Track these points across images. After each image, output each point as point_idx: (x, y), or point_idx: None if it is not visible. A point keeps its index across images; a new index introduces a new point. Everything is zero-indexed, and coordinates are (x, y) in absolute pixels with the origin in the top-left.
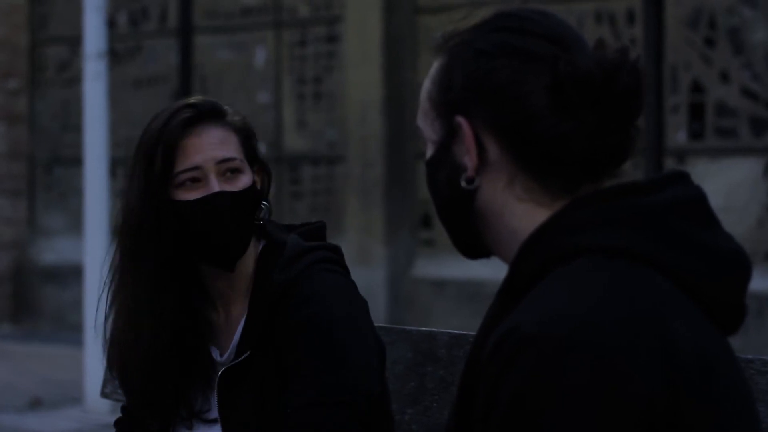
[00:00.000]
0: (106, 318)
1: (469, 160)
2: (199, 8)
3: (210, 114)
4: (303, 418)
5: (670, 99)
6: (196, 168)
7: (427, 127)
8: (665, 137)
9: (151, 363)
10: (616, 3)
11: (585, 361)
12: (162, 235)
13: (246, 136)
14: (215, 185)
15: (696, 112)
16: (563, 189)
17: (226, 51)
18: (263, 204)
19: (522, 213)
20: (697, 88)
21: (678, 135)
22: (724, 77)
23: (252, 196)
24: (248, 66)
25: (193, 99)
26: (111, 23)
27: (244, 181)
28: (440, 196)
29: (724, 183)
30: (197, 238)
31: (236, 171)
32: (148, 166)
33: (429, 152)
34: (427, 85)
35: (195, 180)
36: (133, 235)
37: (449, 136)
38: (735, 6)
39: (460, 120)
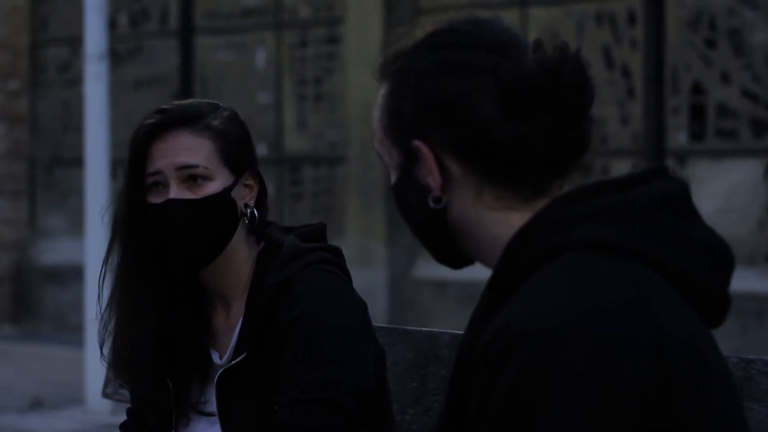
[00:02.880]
0: (102, 318)
1: (433, 181)
2: (200, 9)
3: (179, 119)
4: (286, 414)
5: (670, 100)
6: (158, 173)
7: (385, 154)
8: (666, 138)
9: (146, 362)
10: (616, 4)
11: (577, 355)
12: (140, 236)
13: (228, 142)
14: (173, 192)
15: (696, 113)
16: (533, 191)
17: (227, 52)
18: (249, 210)
19: (496, 219)
20: (697, 89)
21: (678, 136)
22: (725, 78)
23: (220, 203)
24: (249, 67)
25: (169, 104)
26: (111, 24)
27: (211, 188)
28: (412, 218)
29: (725, 184)
30: (160, 242)
31: (202, 178)
32: (125, 169)
33: (393, 178)
34: (376, 113)
35: (160, 184)
36: (119, 235)
37: (409, 161)
38: (735, 7)
39: (418, 144)
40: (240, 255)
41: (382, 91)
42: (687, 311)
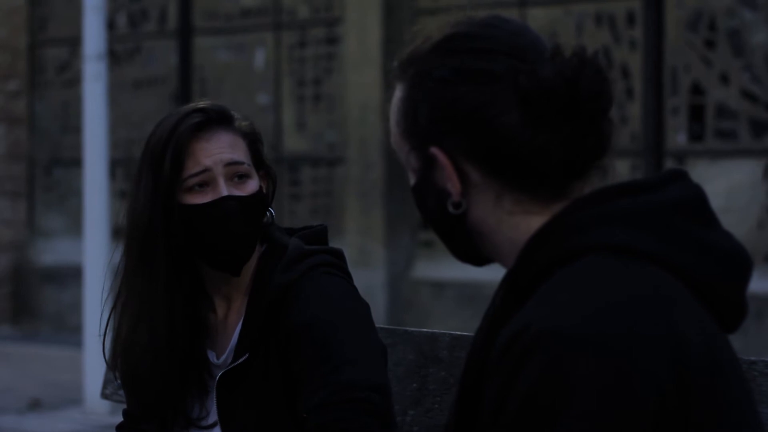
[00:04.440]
0: (108, 322)
1: (452, 187)
2: (199, 9)
3: (219, 118)
4: (317, 419)
5: (670, 101)
6: (205, 171)
7: (403, 156)
8: (665, 139)
9: (156, 367)
10: (616, 5)
11: (597, 359)
12: (171, 240)
13: (253, 141)
14: (224, 189)
15: (696, 113)
16: (553, 194)
17: (226, 52)
18: (269, 210)
19: (516, 224)
20: (697, 90)
21: (678, 137)
22: (724, 79)
23: (259, 201)
24: (248, 67)
25: (201, 103)
26: (110, 24)
27: (252, 186)
28: (432, 221)
29: (724, 185)
30: (205, 242)
31: (244, 176)
32: (157, 171)
33: (411, 180)
34: (393, 115)
35: (204, 184)
36: (142, 239)
37: (427, 166)
38: (735, 8)
39: (435, 151)
40: (253, 255)
41: (398, 94)
42: (704, 317)
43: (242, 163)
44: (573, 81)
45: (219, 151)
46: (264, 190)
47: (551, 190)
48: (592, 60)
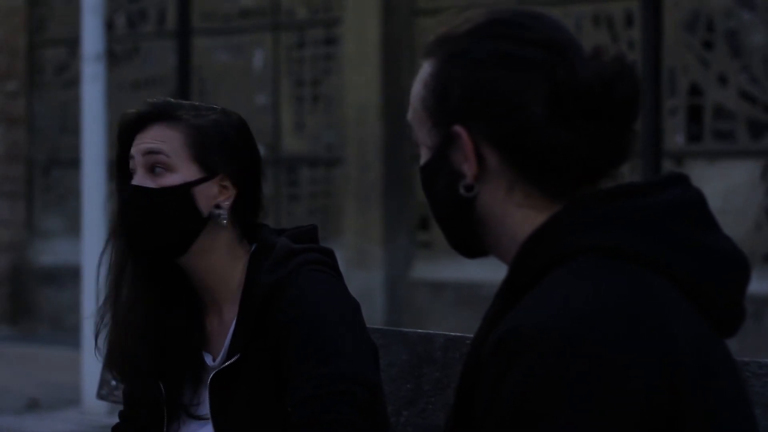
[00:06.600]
0: (99, 311)
1: (469, 169)
2: (198, 10)
3: (158, 113)
4: (303, 412)
5: (668, 102)
6: (132, 158)
7: (422, 132)
8: (663, 140)
9: (137, 361)
10: (614, 5)
11: (585, 360)
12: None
13: (204, 139)
14: (136, 179)
15: (694, 114)
16: (562, 193)
17: (225, 53)
18: (219, 212)
19: (522, 218)
20: (695, 90)
21: (676, 138)
22: (722, 80)
23: (176, 196)
24: (246, 68)
25: (159, 98)
26: (109, 25)
27: (171, 179)
28: (438, 202)
29: (722, 186)
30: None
31: (162, 167)
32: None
33: (424, 157)
34: (419, 90)
35: (134, 172)
36: (112, 238)
37: (446, 144)
38: (733, 9)
39: (459, 129)
40: (220, 256)
41: (428, 69)
42: (696, 320)
43: (159, 153)
44: (609, 84)
45: (142, 141)
46: (228, 196)
47: (562, 189)
48: (630, 67)
